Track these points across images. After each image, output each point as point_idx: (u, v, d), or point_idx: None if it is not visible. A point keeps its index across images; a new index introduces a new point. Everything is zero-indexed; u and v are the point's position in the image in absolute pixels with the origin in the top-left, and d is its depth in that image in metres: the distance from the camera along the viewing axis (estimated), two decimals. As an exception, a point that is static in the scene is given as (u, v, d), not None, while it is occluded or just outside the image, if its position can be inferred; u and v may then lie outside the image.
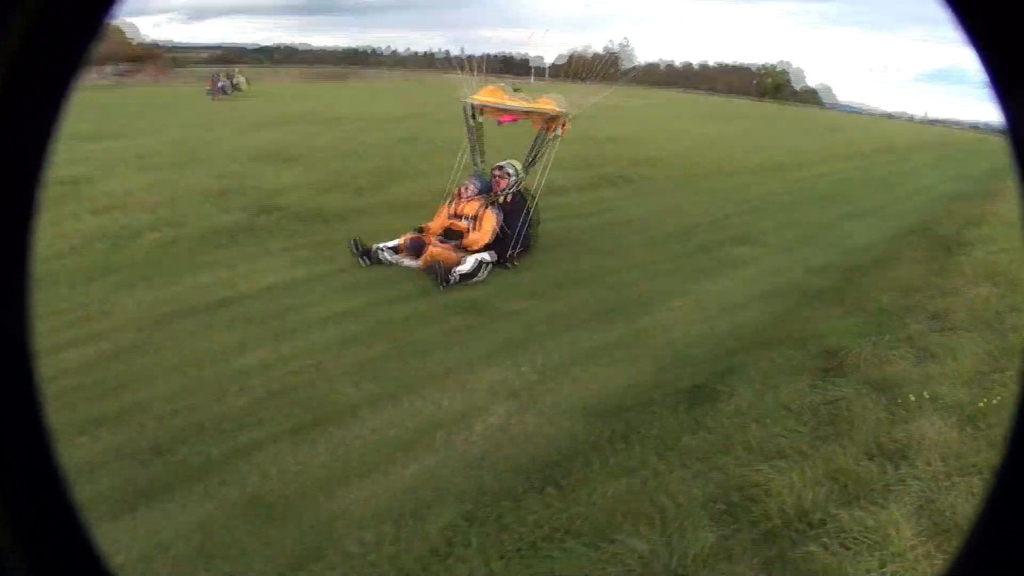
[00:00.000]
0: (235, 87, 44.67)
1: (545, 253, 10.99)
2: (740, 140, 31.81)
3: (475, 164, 11.50)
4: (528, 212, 10.73)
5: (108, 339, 7.25)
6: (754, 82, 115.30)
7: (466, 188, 10.76)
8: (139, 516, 4.44)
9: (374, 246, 9.98)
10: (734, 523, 4.28)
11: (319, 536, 4.32)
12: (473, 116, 11.20)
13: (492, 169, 11.05)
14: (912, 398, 5.93)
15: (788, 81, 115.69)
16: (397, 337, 7.54)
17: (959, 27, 0.89)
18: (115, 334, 7.39)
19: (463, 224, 10.40)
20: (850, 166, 27.78)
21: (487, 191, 10.77)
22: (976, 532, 0.99)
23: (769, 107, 75.67)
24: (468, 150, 11.49)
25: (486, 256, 9.92)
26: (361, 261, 9.91)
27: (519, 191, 10.94)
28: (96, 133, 19.95)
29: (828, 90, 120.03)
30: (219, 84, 43.32)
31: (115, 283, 9.01)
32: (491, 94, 11.19)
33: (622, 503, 4.45)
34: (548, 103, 10.91)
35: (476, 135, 11.40)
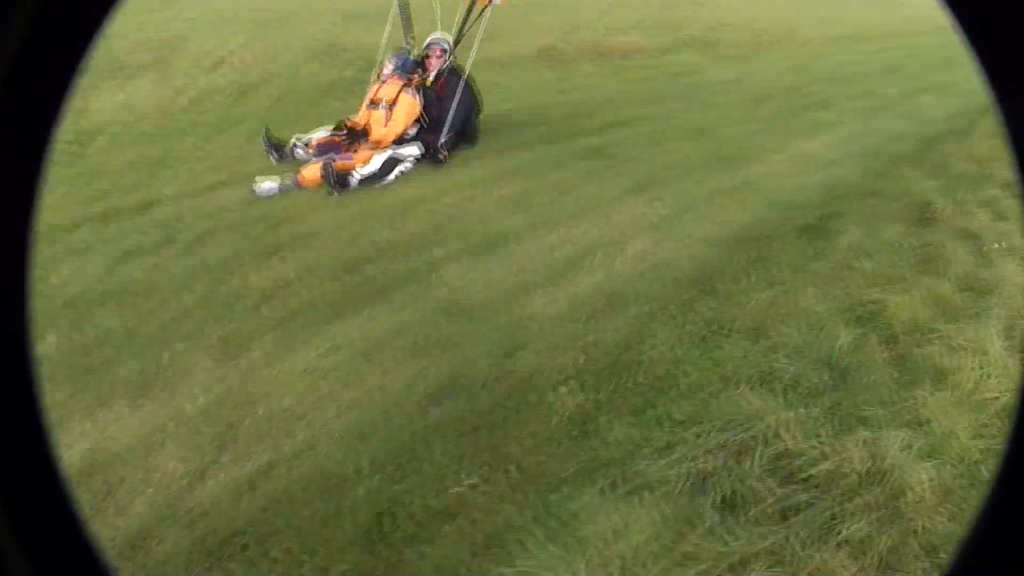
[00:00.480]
0: None
1: (653, 106, 11.63)
2: (805, 8, 31.38)
3: (406, 41, 9.96)
4: (467, 94, 9.39)
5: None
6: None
7: (384, 68, 9.16)
8: (348, 321, 5.29)
9: (292, 139, 8.77)
10: (863, 328, 5.16)
11: (516, 332, 5.16)
12: None
13: (424, 45, 9.55)
14: (995, 246, 6.70)
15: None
16: (535, 176, 8.39)
17: (958, 27, 0.90)
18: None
19: (380, 114, 8.80)
20: (914, 42, 27.54)
21: (409, 71, 9.07)
22: (976, 532, 0.99)
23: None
24: (399, 25, 10.02)
25: (403, 151, 8.57)
26: (272, 157, 8.61)
27: (454, 68, 9.51)
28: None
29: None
30: None
31: (245, 131, 9.85)
32: None
33: (771, 309, 5.35)
34: None
35: (404, 5, 9.86)
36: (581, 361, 4.73)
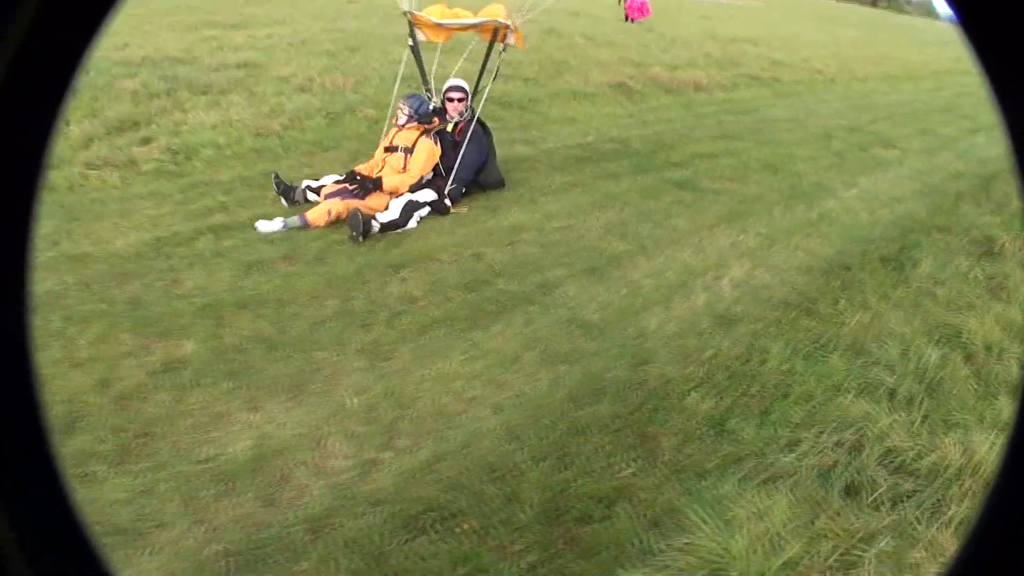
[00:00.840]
0: None
1: (728, 141, 12.35)
2: (856, 48, 32.07)
3: (424, 86, 9.71)
4: (480, 138, 9.04)
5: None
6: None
7: (401, 112, 8.64)
8: (481, 333, 5.86)
9: (302, 184, 8.47)
10: (946, 347, 5.82)
11: (639, 346, 5.77)
12: (412, 34, 9.20)
13: (444, 90, 9.23)
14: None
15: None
16: (630, 205, 9.09)
17: (960, 27, 0.89)
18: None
19: (397, 159, 8.48)
20: (963, 80, 28.04)
21: (425, 117, 8.69)
22: (976, 532, 0.99)
23: (884, 15, 73.43)
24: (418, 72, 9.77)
25: (419, 197, 8.23)
26: (282, 200, 8.34)
27: (476, 117, 9.09)
28: (241, 21, 21.01)
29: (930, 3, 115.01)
30: None
31: (347, 152, 10.51)
32: (434, 14, 9.12)
33: (864, 329, 6.03)
34: (494, 10, 9.05)
35: (419, 56, 9.46)
36: (704, 372, 5.40)
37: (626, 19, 27.98)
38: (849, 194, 10.28)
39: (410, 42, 9.19)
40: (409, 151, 8.43)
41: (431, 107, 8.92)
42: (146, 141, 9.71)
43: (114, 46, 13.07)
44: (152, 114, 10.58)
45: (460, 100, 9.05)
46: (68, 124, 9.23)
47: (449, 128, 8.96)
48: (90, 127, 9.70)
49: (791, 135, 13.76)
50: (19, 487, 1.04)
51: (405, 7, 8.89)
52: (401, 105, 8.62)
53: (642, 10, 28.19)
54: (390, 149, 8.56)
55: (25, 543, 1.02)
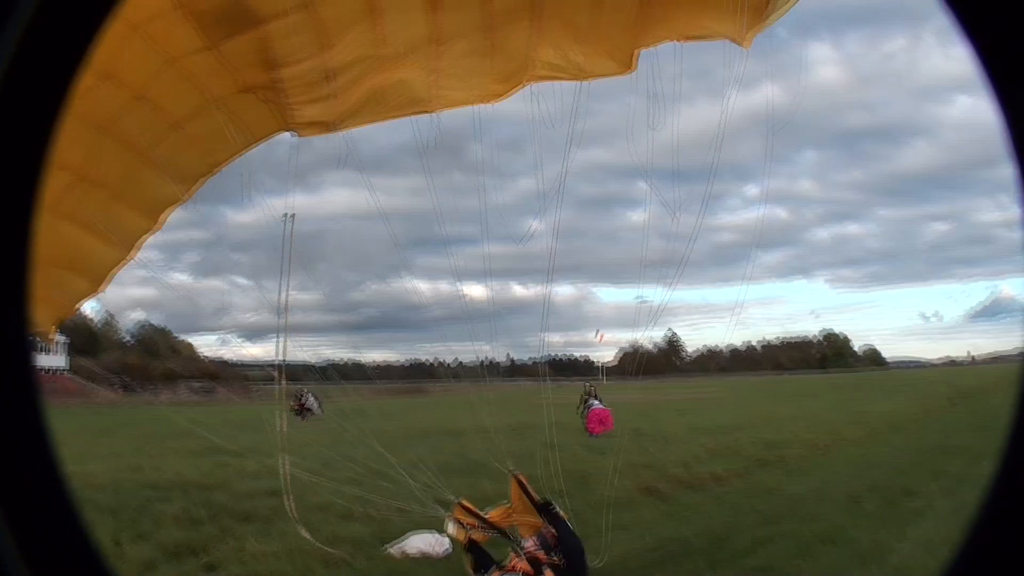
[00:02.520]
0: (309, 410, 39.35)
1: (773, 525, 12.96)
2: (832, 413, 33.91)
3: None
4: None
5: None
6: (816, 353, 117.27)
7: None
8: None
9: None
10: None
11: None
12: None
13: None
14: None
15: (849, 348, 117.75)
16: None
17: (959, 29, 0.88)
18: None
19: None
20: (945, 418, 29.71)
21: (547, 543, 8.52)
22: (976, 532, 1.00)
23: (836, 376, 77.27)
24: None
25: None
26: None
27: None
28: (243, 450, 20.85)
29: (876, 351, 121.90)
30: (306, 404, 39.50)
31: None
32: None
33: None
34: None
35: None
36: None
37: (589, 434, 28.18)
38: (906, 548, 10.75)
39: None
40: None
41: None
42: (210, 568, 10.04)
43: (128, 467, 13.71)
44: (206, 540, 11.02)
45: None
46: (119, 544, 9.77)
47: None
48: (147, 551, 10.19)
49: (819, 507, 14.48)
50: (19, 488, 1.03)
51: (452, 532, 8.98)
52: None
53: (604, 423, 28.87)
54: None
55: (25, 543, 1.03)
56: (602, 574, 10.40)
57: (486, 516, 9.38)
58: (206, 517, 12.47)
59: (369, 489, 15.89)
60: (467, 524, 9.17)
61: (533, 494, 9.59)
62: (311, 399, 40.19)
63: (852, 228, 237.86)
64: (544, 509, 9.54)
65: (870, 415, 31.97)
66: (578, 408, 31.03)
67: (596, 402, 30.89)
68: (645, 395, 64.73)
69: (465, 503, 9.41)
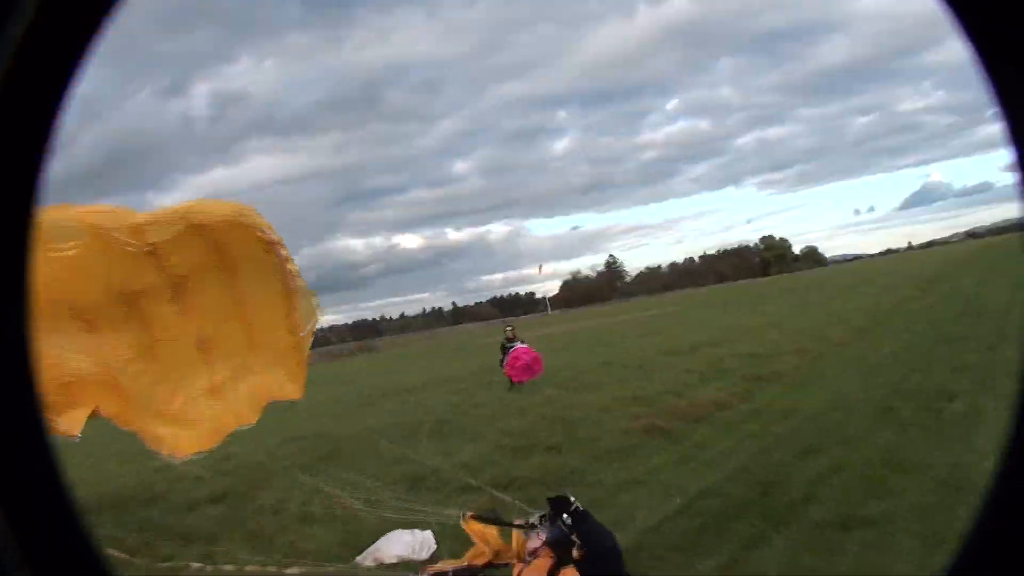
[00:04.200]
0: None
1: (817, 455, 10.74)
2: (802, 318, 31.97)
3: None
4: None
5: None
6: (756, 259, 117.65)
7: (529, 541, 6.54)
8: None
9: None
10: None
11: None
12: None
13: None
14: None
15: (789, 250, 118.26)
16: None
17: (959, 27, 0.88)
18: None
19: None
20: (926, 308, 28.07)
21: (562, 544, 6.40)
22: (976, 532, 0.98)
23: (781, 279, 76.58)
24: None
25: None
26: None
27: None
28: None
29: (814, 249, 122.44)
30: None
31: None
32: None
33: None
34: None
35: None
36: None
37: (511, 384, 23.00)
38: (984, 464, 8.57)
39: None
40: None
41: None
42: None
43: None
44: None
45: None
46: None
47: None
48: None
49: (859, 423, 12.28)
50: (19, 488, 1.03)
51: None
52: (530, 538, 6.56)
53: (531, 367, 22.87)
54: None
55: (25, 543, 1.02)
56: (639, 556, 7.94)
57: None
58: (137, 545, 9.95)
59: (326, 477, 13.82)
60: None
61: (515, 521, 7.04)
62: None
63: (776, 131, 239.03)
64: (559, 511, 6.78)
65: (843, 314, 30.09)
66: (501, 360, 24.11)
67: (519, 343, 23.96)
68: (596, 321, 62.74)
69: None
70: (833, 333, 25.00)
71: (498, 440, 14.99)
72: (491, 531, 7.05)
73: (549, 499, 7.03)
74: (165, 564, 9.75)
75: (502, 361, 23.71)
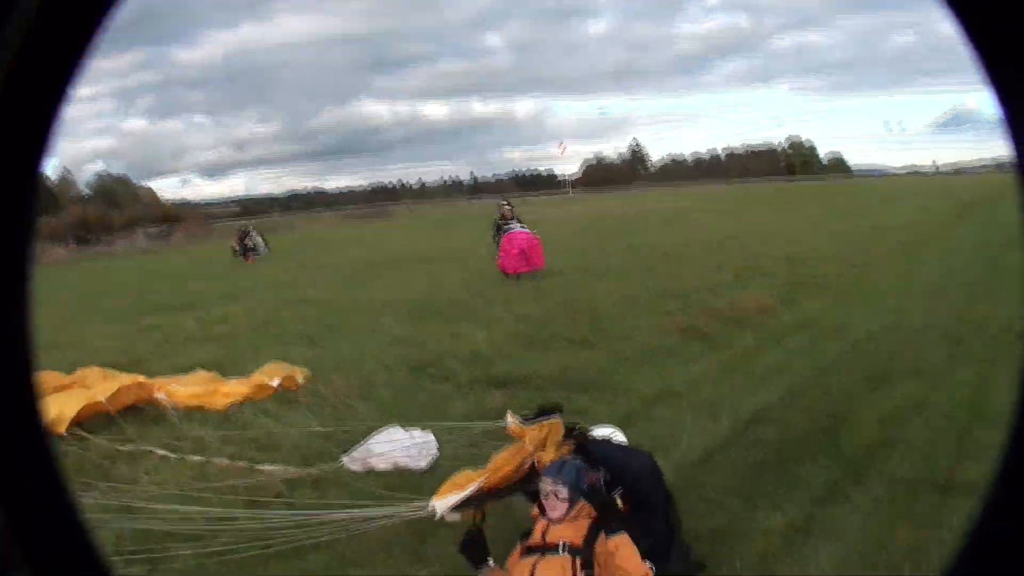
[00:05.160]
0: (254, 249, 34.73)
1: (892, 384, 9.30)
2: (841, 225, 30.10)
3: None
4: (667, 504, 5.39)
5: None
6: (781, 162, 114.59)
7: (553, 495, 4.78)
8: None
9: None
10: None
11: None
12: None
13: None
14: None
15: (816, 156, 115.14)
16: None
17: (960, 28, 0.92)
18: None
19: (557, 566, 4.52)
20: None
21: (588, 494, 4.89)
22: (976, 532, 0.99)
23: (808, 184, 74.11)
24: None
25: None
26: None
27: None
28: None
29: (841, 158, 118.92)
30: (249, 244, 34.94)
31: None
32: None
33: None
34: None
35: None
36: None
37: (506, 275, 19.19)
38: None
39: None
40: (582, 556, 4.53)
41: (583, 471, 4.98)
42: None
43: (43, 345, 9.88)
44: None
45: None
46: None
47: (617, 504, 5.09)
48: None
49: (923, 353, 10.73)
50: (19, 488, 1.02)
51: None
52: (548, 484, 4.81)
53: (528, 257, 19.16)
54: (536, 550, 4.64)
55: (25, 543, 1.01)
56: (687, 497, 6.36)
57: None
58: (99, 425, 8.93)
59: (323, 348, 12.51)
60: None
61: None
62: (256, 237, 35.80)
63: (813, 36, 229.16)
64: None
65: (880, 227, 28.09)
66: (493, 238, 20.88)
67: (516, 225, 20.15)
68: (618, 206, 60.47)
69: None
70: (873, 246, 23.07)
71: (513, 327, 13.60)
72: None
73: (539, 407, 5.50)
74: (127, 447, 8.39)
75: (495, 239, 20.56)
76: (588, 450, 5.30)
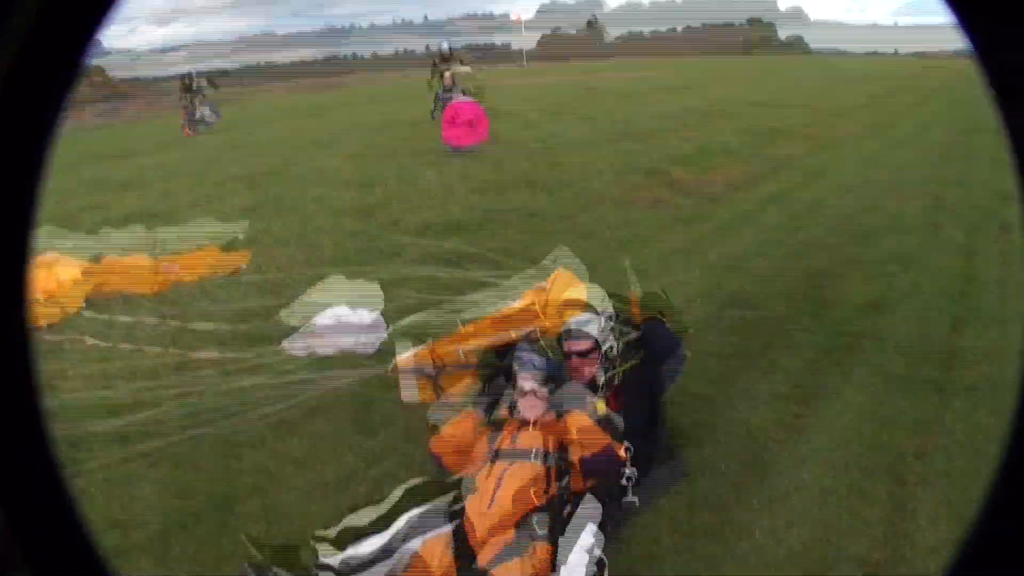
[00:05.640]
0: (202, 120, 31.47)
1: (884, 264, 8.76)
2: (803, 102, 29.26)
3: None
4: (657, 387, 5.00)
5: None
6: (740, 38, 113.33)
7: (532, 394, 4.38)
8: None
9: None
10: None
11: None
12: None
13: (563, 336, 4.86)
14: None
15: (775, 34, 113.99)
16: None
17: (961, 30, 0.90)
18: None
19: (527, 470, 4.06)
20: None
21: (559, 378, 4.63)
22: (976, 531, 0.97)
23: (768, 60, 72.82)
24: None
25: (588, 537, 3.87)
26: None
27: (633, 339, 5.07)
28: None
29: (800, 37, 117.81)
30: (195, 114, 31.55)
31: None
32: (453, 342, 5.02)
33: None
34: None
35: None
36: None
37: (448, 148, 16.97)
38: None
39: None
40: (556, 463, 4.16)
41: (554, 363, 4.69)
42: None
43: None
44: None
45: (585, 355, 4.74)
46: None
47: (605, 384, 4.79)
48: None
49: (903, 240, 10.24)
50: (19, 488, 1.01)
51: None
52: (522, 377, 4.41)
53: (472, 127, 17.04)
54: (508, 455, 4.17)
55: (25, 543, 0.99)
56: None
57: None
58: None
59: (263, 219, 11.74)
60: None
61: None
62: (205, 109, 32.06)
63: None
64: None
65: (845, 106, 27.26)
66: (432, 109, 19.84)
67: (460, 96, 18.21)
68: (575, 78, 58.68)
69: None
70: (839, 123, 22.45)
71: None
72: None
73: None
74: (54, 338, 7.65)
75: (433, 113, 19.50)
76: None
